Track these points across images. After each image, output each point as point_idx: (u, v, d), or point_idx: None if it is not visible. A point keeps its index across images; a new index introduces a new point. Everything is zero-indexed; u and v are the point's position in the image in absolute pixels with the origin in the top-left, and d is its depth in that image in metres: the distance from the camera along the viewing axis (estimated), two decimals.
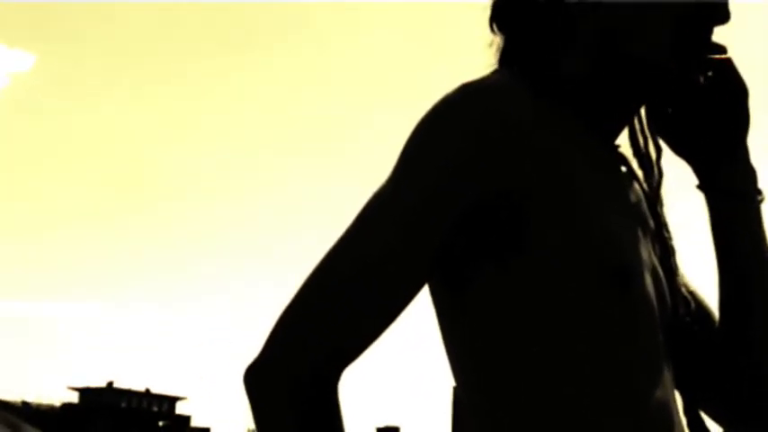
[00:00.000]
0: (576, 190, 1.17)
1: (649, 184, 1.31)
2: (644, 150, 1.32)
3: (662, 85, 1.27)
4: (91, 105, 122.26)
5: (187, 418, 79.63)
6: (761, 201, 1.30)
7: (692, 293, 1.32)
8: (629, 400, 1.15)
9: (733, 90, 1.30)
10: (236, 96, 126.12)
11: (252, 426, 1.10)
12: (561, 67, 1.26)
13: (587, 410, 1.13)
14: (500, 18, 1.29)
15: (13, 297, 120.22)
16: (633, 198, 1.28)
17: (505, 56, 1.29)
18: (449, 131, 1.14)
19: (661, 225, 1.29)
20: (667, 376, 1.21)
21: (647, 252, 1.24)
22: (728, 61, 1.29)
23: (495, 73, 1.26)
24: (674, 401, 1.21)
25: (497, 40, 1.30)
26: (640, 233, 1.24)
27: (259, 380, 1.12)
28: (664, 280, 1.26)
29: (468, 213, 1.15)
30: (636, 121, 1.33)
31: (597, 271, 1.15)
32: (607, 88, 1.25)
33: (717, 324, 1.32)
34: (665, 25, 1.23)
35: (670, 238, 1.29)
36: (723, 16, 1.25)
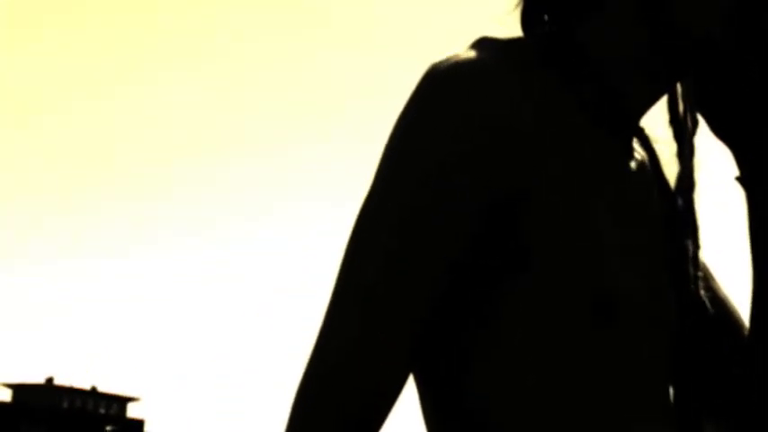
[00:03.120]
0: (569, 203, 1.05)
1: (682, 163, 1.19)
2: (682, 120, 1.20)
3: (708, 64, 1.14)
4: (64, 43, 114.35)
5: (140, 423, 76.09)
6: None
7: (716, 300, 1.22)
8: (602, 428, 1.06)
9: None
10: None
11: None
12: (581, 34, 1.13)
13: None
14: None
15: None
16: (646, 196, 1.15)
17: (527, 16, 1.16)
18: (434, 135, 1.02)
19: (679, 221, 1.17)
20: (664, 411, 1.12)
21: (652, 258, 1.12)
22: None
23: (484, 46, 1.10)
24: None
25: None
26: (645, 239, 1.12)
27: None
28: (674, 289, 1.15)
29: (462, 238, 1.03)
30: (679, 86, 1.21)
31: (581, 300, 1.05)
32: (638, 63, 1.12)
33: (744, 335, 1.22)
34: (722, 9, 1.10)
35: (693, 236, 1.17)
36: None
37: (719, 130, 1.16)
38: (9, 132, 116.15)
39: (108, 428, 72.20)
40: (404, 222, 1.01)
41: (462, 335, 1.06)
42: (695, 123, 1.18)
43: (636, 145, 1.16)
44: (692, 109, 1.18)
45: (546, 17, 1.13)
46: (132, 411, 76.77)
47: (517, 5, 1.15)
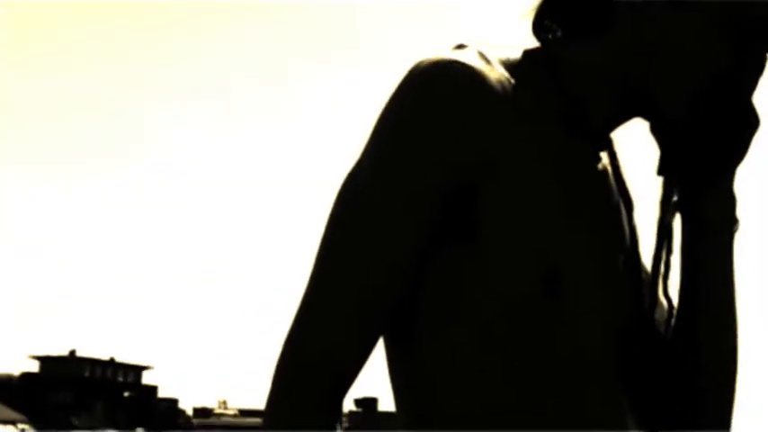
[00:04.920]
0: (528, 191, 1.15)
1: (665, 179, 1.28)
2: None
3: (666, 126, 1.24)
4: (61, 56, 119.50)
5: (153, 389, 78.63)
6: (736, 230, 1.28)
7: (670, 307, 1.28)
8: (547, 396, 1.13)
9: (739, 122, 1.24)
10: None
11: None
12: (564, 50, 1.23)
13: (500, 400, 1.13)
14: None
15: None
16: (605, 202, 1.23)
17: (537, 23, 1.25)
18: (426, 136, 1.12)
19: (634, 231, 1.27)
20: (604, 378, 1.17)
21: (605, 259, 1.20)
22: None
23: (470, 51, 1.18)
24: (614, 412, 1.18)
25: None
26: (597, 239, 1.20)
27: (275, 404, 1.13)
28: (630, 287, 1.23)
29: (436, 214, 1.13)
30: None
31: (527, 270, 1.13)
32: (604, 95, 1.23)
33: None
34: (691, 83, 1.20)
35: (668, 242, 1.27)
36: (751, 87, 1.22)
37: (669, 166, 1.25)
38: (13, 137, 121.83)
39: (125, 394, 75.37)
40: (392, 213, 1.11)
41: (417, 301, 1.14)
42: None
43: (604, 155, 1.24)
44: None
45: (552, 27, 1.23)
46: (146, 378, 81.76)
47: (527, 13, 1.25)
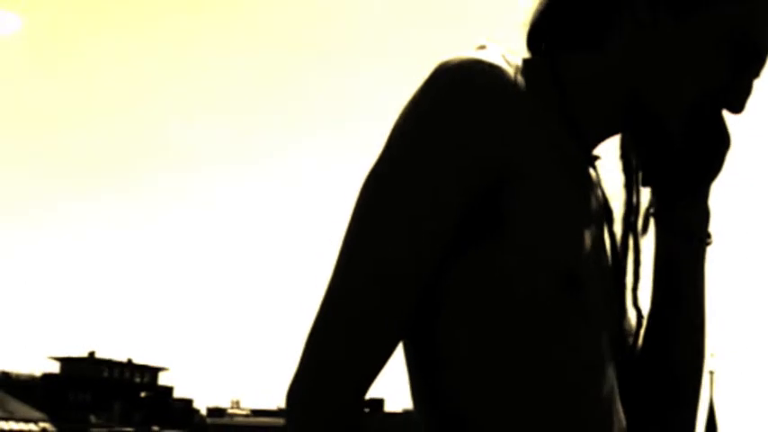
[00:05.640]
0: (549, 193, 1.17)
1: (628, 196, 1.34)
2: (629, 158, 1.35)
3: (659, 139, 1.27)
4: (79, 67, 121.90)
5: (169, 389, 80.00)
6: (708, 244, 1.32)
7: (639, 314, 1.32)
8: (569, 397, 1.16)
9: (716, 139, 1.30)
10: (231, 53, 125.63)
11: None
12: (560, 62, 1.25)
13: (523, 402, 1.15)
14: None
15: None
16: (595, 210, 1.27)
17: (538, 26, 1.28)
18: (450, 138, 1.12)
19: (615, 241, 1.31)
20: (611, 379, 1.22)
21: (598, 264, 1.24)
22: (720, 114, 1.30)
23: (491, 54, 1.19)
24: (616, 405, 1.23)
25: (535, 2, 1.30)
26: (594, 245, 1.23)
27: (302, 408, 1.13)
28: (614, 294, 1.27)
29: (462, 211, 1.14)
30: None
31: (549, 273, 1.15)
32: (602, 106, 1.25)
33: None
34: (687, 94, 1.23)
35: (635, 257, 1.31)
36: (738, 107, 1.27)
37: (652, 178, 1.31)
38: (27, 142, 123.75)
39: (142, 394, 76.08)
40: (417, 211, 1.11)
41: (437, 301, 1.15)
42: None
43: (590, 168, 1.27)
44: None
45: (547, 40, 1.25)
46: (162, 380, 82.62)
47: (524, 25, 1.27)
